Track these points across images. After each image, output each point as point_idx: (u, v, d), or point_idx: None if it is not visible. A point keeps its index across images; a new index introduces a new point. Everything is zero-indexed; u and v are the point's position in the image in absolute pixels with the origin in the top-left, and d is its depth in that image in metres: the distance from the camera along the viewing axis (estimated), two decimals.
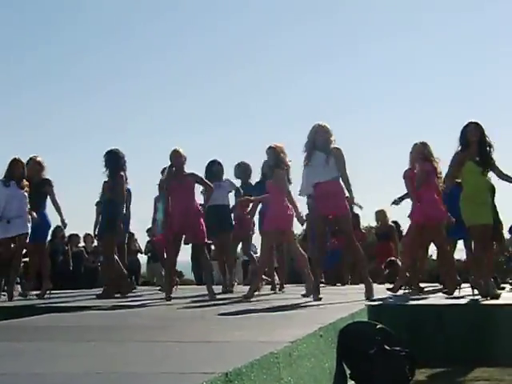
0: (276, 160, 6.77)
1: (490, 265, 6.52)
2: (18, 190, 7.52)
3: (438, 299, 6.31)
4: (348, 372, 4.27)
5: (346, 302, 5.96)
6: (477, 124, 6.06)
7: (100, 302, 6.94)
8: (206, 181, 7.11)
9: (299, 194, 6.85)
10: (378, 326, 4.43)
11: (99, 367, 2.63)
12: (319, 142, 6.27)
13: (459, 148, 6.12)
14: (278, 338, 3.32)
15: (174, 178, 6.84)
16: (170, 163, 6.91)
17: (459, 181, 6.34)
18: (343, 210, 6.26)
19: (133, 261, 12.94)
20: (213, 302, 6.39)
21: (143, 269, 13.92)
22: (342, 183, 6.28)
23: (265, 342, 3.21)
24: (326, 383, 3.70)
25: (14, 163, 7.58)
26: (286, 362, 2.96)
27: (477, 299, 5.93)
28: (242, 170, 8.05)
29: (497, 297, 5.86)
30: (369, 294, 6.16)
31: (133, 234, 12.00)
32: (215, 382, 2.19)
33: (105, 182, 7.97)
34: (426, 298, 6.44)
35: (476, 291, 6.07)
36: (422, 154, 6.79)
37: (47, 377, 2.44)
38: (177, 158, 6.84)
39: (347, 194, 6.32)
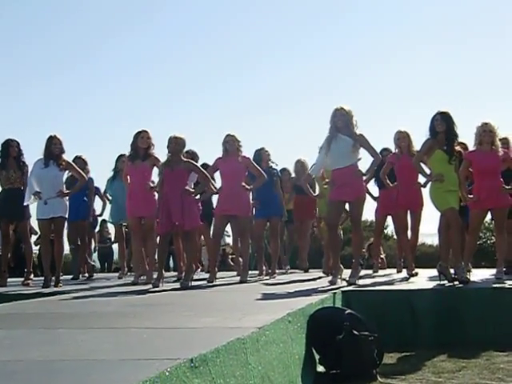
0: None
1: (463, 249, 6.58)
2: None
3: (407, 284, 6.40)
4: (317, 357, 4.33)
5: (316, 287, 6.01)
6: (444, 114, 6.16)
7: (70, 288, 6.94)
8: (203, 170, 7.01)
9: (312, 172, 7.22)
10: (346, 312, 4.49)
11: (65, 354, 2.61)
12: (340, 125, 6.23)
13: (429, 136, 6.25)
14: (246, 324, 3.33)
15: (168, 166, 6.70)
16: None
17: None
18: (361, 194, 6.41)
19: (105, 248, 12.90)
20: (185, 289, 6.40)
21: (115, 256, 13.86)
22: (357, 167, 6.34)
23: (233, 328, 3.22)
24: (294, 368, 3.71)
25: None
26: (254, 347, 2.97)
27: (444, 284, 6.03)
28: None
29: (466, 281, 5.95)
30: (352, 280, 6.18)
31: (105, 221, 11.93)
32: (180, 368, 2.19)
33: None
34: (394, 283, 6.52)
35: (443, 276, 6.16)
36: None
37: (11, 364, 2.41)
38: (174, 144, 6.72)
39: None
